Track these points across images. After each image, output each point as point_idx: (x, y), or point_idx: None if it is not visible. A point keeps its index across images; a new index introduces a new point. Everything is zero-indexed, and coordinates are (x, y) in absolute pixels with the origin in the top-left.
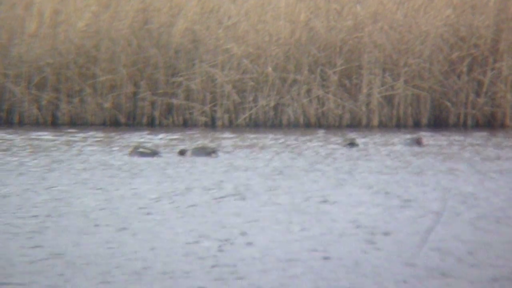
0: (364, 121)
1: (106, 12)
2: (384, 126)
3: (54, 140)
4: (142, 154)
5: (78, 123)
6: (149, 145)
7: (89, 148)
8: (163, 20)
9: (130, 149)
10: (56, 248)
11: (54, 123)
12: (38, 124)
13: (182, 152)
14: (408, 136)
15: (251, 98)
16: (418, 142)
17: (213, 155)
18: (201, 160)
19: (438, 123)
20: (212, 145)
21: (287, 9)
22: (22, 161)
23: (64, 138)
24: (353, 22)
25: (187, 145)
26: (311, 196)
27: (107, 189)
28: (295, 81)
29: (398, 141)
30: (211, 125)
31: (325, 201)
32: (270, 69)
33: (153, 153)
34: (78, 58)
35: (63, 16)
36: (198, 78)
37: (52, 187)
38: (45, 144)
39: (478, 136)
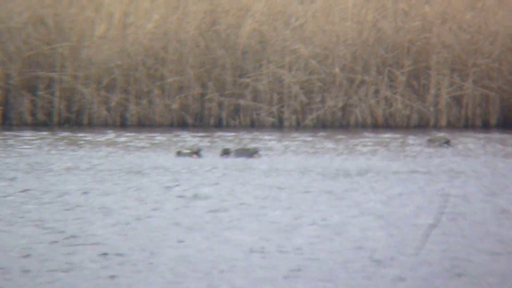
0: (432, 122)
1: (174, 14)
2: (452, 126)
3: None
4: (182, 155)
5: (146, 124)
6: (191, 145)
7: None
8: (230, 21)
9: (175, 150)
10: None
11: (122, 124)
12: (107, 125)
13: (225, 152)
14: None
15: (318, 99)
16: None
17: (255, 156)
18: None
19: (508, 124)
20: (254, 145)
21: (355, 9)
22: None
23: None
24: (421, 22)
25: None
26: None
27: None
28: (362, 81)
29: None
30: (279, 125)
31: None
32: (337, 69)
33: (193, 153)
34: (146, 59)
35: (132, 18)
36: (266, 79)
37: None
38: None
39: None
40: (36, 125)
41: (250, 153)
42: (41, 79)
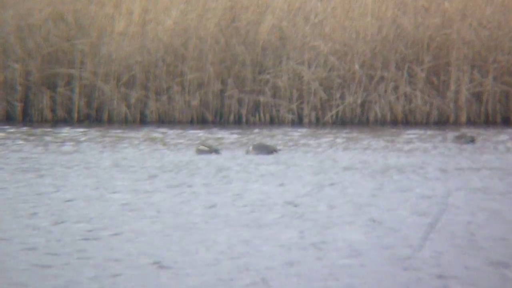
0: (452, 118)
1: (194, 10)
2: (473, 123)
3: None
4: (201, 152)
5: (166, 121)
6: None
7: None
8: (250, 17)
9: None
10: None
11: (142, 121)
12: (127, 122)
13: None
14: None
15: (338, 95)
16: None
17: (274, 152)
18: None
19: None
20: (272, 142)
21: (374, 6)
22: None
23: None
24: (441, 18)
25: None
26: None
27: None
28: (382, 78)
29: None
30: (298, 122)
31: None
32: (357, 66)
33: (212, 150)
34: (166, 56)
35: (151, 14)
36: (285, 76)
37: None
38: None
39: None
40: (56, 122)
41: (270, 150)
42: (61, 76)
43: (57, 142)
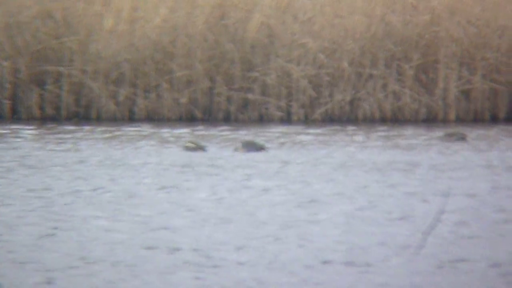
0: (440, 116)
1: (182, 8)
2: (461, 120)
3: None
4: (188, 149)
5: (154, 118)
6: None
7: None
8: (239, 15)
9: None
10: None
11: (131, 119)
12: (115, 120)
13: (237, 148)
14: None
15: (326, 93)
16: None
17: (263, 150)
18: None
19: None
20: (260, 139)
21: (363, 3)
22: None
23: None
24: (429, 16)
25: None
26: None
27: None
28: (371, 75)
29: None
30: (287, 120)
31: None
32: (345, 64)
33: (199, 148)
34: (155, 53)
35: (140, 12)
36: (274, 73)
37: None
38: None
39: None
40: (45, 119)
41: (258, 147)
42: (50, 73)
43: (70, 140)
